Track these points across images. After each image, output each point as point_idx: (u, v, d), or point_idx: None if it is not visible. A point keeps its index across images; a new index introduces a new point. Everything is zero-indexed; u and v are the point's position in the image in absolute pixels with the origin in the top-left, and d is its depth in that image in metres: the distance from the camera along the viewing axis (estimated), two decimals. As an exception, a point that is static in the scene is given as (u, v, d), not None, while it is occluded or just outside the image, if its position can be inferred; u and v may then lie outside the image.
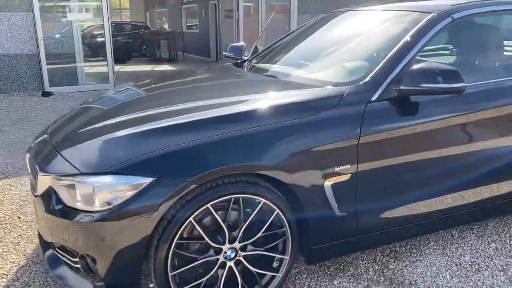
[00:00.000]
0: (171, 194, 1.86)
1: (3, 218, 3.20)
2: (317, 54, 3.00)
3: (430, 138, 2.34)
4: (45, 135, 2.47)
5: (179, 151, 1.93)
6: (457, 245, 2.78)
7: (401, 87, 2.22)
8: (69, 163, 2.05)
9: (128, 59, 14.83)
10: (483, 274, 2.49)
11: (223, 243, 2.04)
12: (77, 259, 2.03)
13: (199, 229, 1.96)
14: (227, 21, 13.33)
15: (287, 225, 2.12)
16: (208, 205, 1.94)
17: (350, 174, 2.17)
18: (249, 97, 2.37)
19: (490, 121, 2.48)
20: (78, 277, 2.06)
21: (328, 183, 2.13)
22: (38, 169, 2.14)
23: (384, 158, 2.24)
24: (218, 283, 2.07)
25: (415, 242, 2.81)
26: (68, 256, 2.09)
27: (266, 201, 2.04)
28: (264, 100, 2.25)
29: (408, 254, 2.69)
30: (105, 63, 9.08)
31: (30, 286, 2.42)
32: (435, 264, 2.58)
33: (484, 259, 2.64)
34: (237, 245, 2.06)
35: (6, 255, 2.71)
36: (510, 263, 2.59)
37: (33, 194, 2.24)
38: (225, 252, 2.05)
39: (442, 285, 2.40)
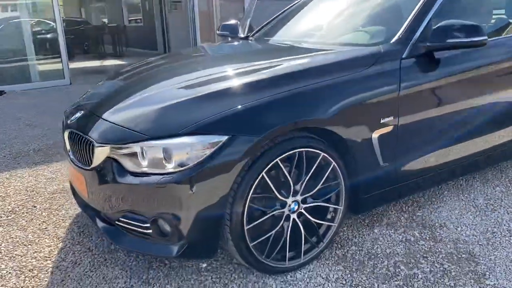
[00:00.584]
0: (245, 150, 1.93)
1: (17, 208, 3.08)
2: (334, 21, 3.15)
3: (454, 91, 2.57)
4: (83, 110, 2.43)
5: (250, 109, 2.00)
6: (468, 192, 3.06)
7: (428, 44, 2.42)
8: (132, 130, 2.05)
9: (71, 56, 14.20)
10: (499, 212, 2.77)
11: (288, 197, 2.14)
12: (147, 225, 2.05)
13: (269, 183, 2.04)
14: (174, 13, 13.16)
15: (341, 176, 2.26)
16: (278, 159, 2.03)
17: (392, 126, 2.34)
18: (298, 59, 2.49)
19: (503, 72, 2.76)
20: (151, 243, 2.08)
21: (375, 135, 2.29)
22: (93, 141, 2.12)
23: (419, 111, 2.43)
24: (284, 235, 2.17)
25: (431, 193, 3.06)
26: (136, 223, 2.09)
27: (325, 154, 2.17)
28: (317, 59, 2.38)
29: (429, 202, 2.93)
30: (59, 59, 8.71)
31: (79, 264, 2.38)
32: (456, 208, 2.84)
33: (495, 200, 2.93)
34: (299, 197, 2.17)
35: (39, 241, 2.64)
36: (517, 201, 2.91)
37: (83, 169, 2.21)
38: (289, 205, 2.16)
39: (468, 224, 2.65)
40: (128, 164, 2.02)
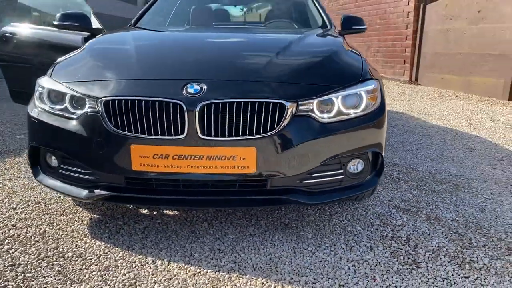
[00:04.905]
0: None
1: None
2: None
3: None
4: (203, 81, 2.07)
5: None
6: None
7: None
8: (322, 84, 2.17)
9: None
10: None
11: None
12: (341, 171, 2.21)
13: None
14: None
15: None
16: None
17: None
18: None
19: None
20: (342, 188, 2.23)
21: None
22: (283, 101, 2.02)
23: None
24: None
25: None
26: (327, 174, 2.18)
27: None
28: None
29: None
30: None
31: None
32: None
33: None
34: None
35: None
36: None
37: (253, 139, 2.01)
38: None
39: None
40: (319, 116, 2.11)
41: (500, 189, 3.10)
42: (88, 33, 3.61)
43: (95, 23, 3.56)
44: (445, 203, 2.81)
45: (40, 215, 2.52)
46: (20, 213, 2.55)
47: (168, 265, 2.02)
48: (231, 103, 1.99)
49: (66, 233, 2.31)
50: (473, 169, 3.55)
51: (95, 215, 2.51)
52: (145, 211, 2.57)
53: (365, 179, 2.30)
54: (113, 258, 2.07)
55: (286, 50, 2.46)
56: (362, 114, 2.20)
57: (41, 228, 2.36)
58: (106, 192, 2.14)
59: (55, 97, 2.25)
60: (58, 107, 2.22)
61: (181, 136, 1.99)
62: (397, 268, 2.02)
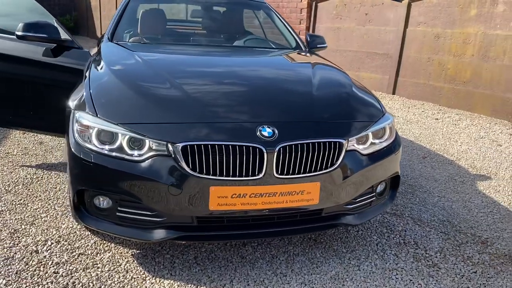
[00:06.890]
0: None
1: None
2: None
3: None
4: (263, 124, 2.24)
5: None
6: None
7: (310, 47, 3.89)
8: (360, 121, 2.49)
9: None
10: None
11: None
12: (373, 194, 2.58)
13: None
14: None
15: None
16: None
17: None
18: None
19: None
20: (374, 208, 2.61)
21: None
22: (341, 140, 2.30)
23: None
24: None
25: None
26: (365, 198, 2.53)
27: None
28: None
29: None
30: None
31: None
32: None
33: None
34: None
35: None
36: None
37: (317, 175, 2.27)
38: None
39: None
40: (360, 148, 2.45)
41: (442, 186, 3.82)
42: (54, 44, 3.34)
43: (63, 34, 3.29)
44: (414, 204, 3.40)
45: (76, 257, 2.40)
46: (50, 257, 2.39)
47: (251, 296, 2.18)
48: (302, 143, 2.20)
49: (122, 274, 2.28)
50: (411, 168, 4.24)
51: (134, 250, 2.49)
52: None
53: (385, 196, 2.71)
54: (196, 296, 2.15)
55: (318, 86, 2.71)
56: (386, 144, 2.59)
57: (90, 273, 2.28)
58: (179, 233, 2.18)
59: (105, 136, 2.18)
60: (108, 147, 2.16)
61: (259, 176, 2.15)
62: (427, 272, 2.49)
